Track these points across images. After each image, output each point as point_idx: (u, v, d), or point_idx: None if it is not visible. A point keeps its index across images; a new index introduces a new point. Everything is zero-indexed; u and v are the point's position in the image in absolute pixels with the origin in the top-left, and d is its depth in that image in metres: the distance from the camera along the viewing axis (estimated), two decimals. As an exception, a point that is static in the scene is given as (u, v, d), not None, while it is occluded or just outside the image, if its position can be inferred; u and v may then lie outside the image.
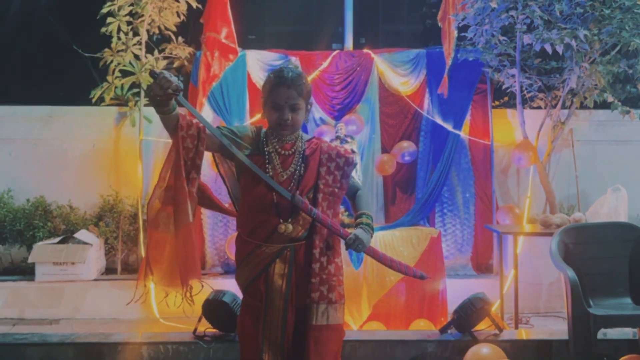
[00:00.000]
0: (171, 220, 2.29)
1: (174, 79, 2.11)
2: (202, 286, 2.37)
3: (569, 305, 3.23)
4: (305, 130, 4.90)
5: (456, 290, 4.53)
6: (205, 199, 2.52)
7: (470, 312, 3.56)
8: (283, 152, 2.37)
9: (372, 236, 2.39)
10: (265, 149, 2.36)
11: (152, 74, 2.10)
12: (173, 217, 2.28)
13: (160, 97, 2.12)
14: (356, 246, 2.31)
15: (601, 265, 3.52)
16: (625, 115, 4.79)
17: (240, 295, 2.48)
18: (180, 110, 2.28)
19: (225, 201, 2.63)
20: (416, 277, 2.47)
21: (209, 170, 5.05)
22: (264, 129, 2.44)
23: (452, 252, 5.13)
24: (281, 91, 2.31)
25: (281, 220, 2.31)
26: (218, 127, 2.39)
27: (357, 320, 4.42)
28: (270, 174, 2.33)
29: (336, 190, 2.41)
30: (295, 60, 5.20)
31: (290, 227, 2.31)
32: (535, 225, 4.68)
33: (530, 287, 4.96)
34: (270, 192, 2.32)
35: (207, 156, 2.42)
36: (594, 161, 5.36)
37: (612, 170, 5.26)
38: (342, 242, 2.40)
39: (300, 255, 2.34)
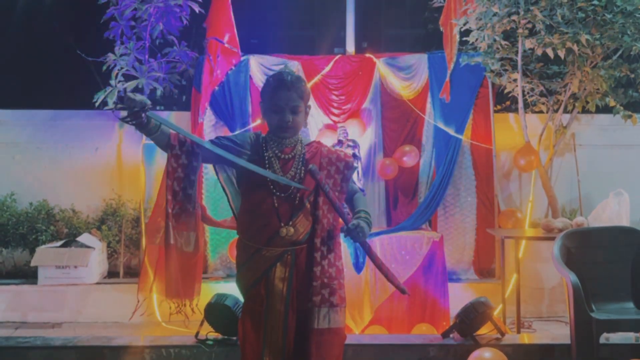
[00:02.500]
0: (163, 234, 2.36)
1: (138, 97, 2.14)
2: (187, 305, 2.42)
3: (571, 310, 3.22)
4: (307, 135, 4.94)
5: (458, 295, 4.53)
6: (205, 218, 2.57)
7: (473, 316, 3.56)
8: (283, 156, 2.38)
9: (370, 229, 2.40)
10: (265, 154, 2.38)
11: (118, 98, 2.15)
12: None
13: (130, 116, 2.15)
14: (357, 233, 2.29)
15: (603, 269, 3.52)
16: (627, 119, 4.78)
17: (242, 299, 2.49)
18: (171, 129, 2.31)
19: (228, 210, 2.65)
20: (398, 288, 2.44)
21: (212, 174, 5.06)
22: (262, 135, 2.46)
23: (454, 256, 5.12)
24: (282, 94, 2.33)
25: (282, 224, 2.32)
26: (218, 137, 2.41)
27: (359, 325, 4.41)
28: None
29: (336, 193, 2.42)
30: (296, 64, 5.21)
31: (291, 229, 2.32)
32: (537, 229, 4.68)
33: (532, 291, 4.96)
34: (270, 196, 2.33)
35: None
36: (596, 165, 5.35)
37: (614, 174, 5.26)
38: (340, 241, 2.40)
39: (301, 259, 2.35)
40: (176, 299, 2.38)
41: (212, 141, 2.39)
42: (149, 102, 2.17)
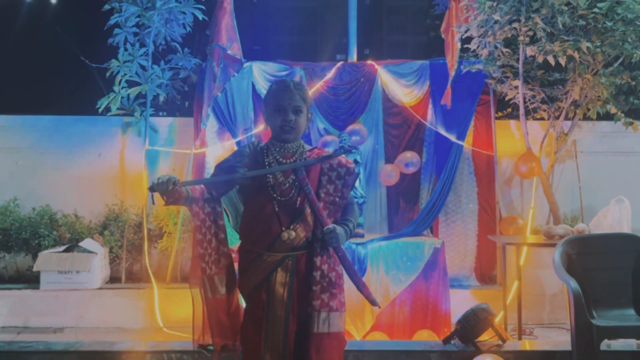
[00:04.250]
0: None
1: (164, 178, 2.21)
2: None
3: (572, 316, 3.22)
4: (309, 141, 4.96)
5: (459, 301, 4.54)
6: None
7: (474, 322, 3.56)
8: (284, 161, 2.41)
9: (348, 238, 2.43)
10: (266, 159, 2.40)
11: (150, 189, 2.23)
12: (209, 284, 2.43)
13: (170, 199, 2.24)
14: (330, 238, 2.32)
15: (604, 276, 3.52)
16: (629, 126, 4.80)
17: (243, 303, 2.51)
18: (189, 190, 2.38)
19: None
20: (368, 299, 2.45)
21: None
22: (263, 142, 2.48)
23: (455, 263, 5.13)
24: (284, 94, 2.38)
25: (283, 228, 2.34)
26: (217, 166, 2.46)
27: (360, 331, 4.42)
28: (272, 182, 2.36)
29: (337, 199, 2.44)
30: (299, 71, 5.24)
31: (293, 233, 2.34)
32: (538, 236, 4.68)
33: (533, 298, 4.96)
34: (271, 201, 2.36)
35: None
36: (597, 172, 5.36)
37: (615, 181, 5.27)
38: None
39: (302, 264, 2.37)
40: (224, 342, 2.46)
41: (214, 173, 2.45)
42: (175, 177, 2.24)
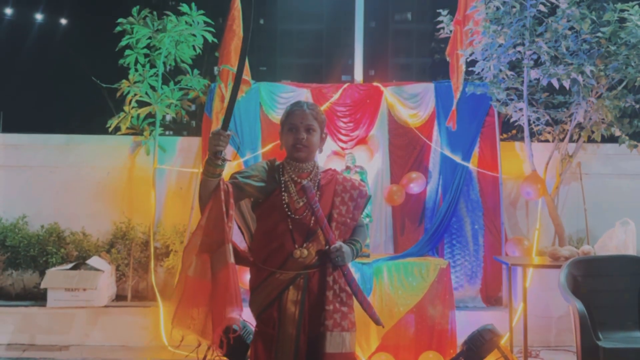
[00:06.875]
0: (208, 266, 2.27)
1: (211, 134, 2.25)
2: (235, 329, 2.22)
3: (578, 338, 3.22)
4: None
5: (465, 322, 4.51)
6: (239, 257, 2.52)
7: (480, 344, 3.55)
8: (299, 180, 2.45)
9: (354, 257, 2.45)
10: (282, 178, 2.45)
11: (222, 161, 2.27)
12: (210, 263, 2.27)
13: (223, 144, 2.26)
14: (336, 256, 2.34)
15: (610, 298, 3.52)
16: (633, 149, 4.83)
17: (250, 321, 2.52)
18: None
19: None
20: (372, 319, 2.45)
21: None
22: (278, 161, 2.53)
23: (461, 284, 5.12)
24: (297, 113, 2.45)
25: (296, 246, 2.37)
26: (232, 176, 2.42)
27: (365, 351, 4.40)
28: (286, 201, 2.40)
29: (348, 220, 2.47)
30: (306, 92, 5.31)
31: (305, 252, 2.37)
32: (544, 257, 4.68)
33: (539, 320, 4.94)
34: (285, 219, 2.39)
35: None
36: (602, 194, 5.38)
37: (620, 203, 5.28)
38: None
39: (314, 283, 2.39)
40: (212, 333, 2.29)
41: (230, 181, 2.41)
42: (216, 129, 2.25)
